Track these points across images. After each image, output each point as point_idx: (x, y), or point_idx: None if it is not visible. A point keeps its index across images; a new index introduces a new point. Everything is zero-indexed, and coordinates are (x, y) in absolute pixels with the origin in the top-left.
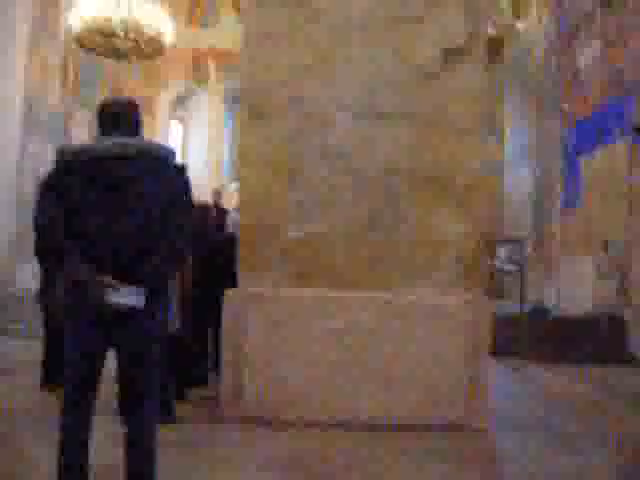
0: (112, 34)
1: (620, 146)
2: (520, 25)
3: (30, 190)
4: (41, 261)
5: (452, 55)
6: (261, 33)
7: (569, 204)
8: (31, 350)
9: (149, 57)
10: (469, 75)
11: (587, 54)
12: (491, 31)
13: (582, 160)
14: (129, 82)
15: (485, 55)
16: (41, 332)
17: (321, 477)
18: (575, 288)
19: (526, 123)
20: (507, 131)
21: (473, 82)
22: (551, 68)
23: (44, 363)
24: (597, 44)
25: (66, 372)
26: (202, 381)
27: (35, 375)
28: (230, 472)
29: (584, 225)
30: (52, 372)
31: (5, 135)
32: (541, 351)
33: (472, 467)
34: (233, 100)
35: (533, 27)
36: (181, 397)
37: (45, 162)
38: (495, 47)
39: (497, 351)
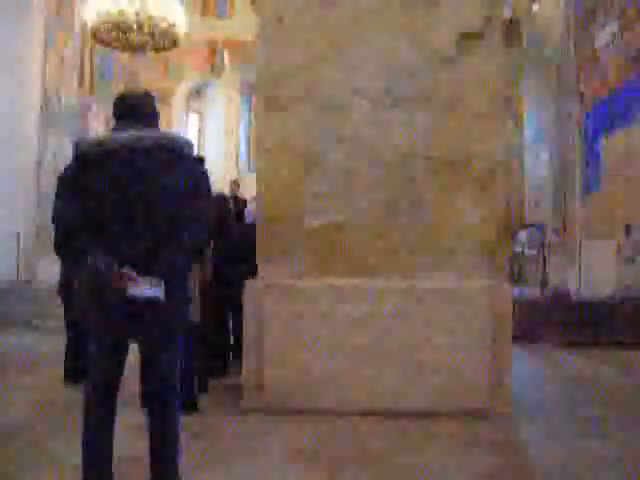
0: (127, 27)
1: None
2: (537, 7)
3: (49, 184)
4: (61, 255)
5: (468, 39)
6: (275, 20)
7: (589, 187)
8: (53, 344)
9: (164, 49)
10: (486, 59)
11: (604, 36)
12: (507, 14)
13: (602, 143)
14: (145, 74)
15: (502, 39)
16: (63, 326)
17: (343, 466)
18: (597, 272)
19: (544, 106)
20: (525, 114)
21: (490, 66)
22: (568, 51)
23: (66, 357)
24: (614, 26)
25: (89, 365)
26: (223, 371)
27: (58, 369)
28: (251, 461)
29: (605, 209)
30: (74, 366)
31: (23, 131)
32: (563, 335)
33: (495, 452)
34: (249, 89)
35: (550, 9)
36: (202, 387)
37: (63, 156)
38: (512, 30)
39: (518, 336)
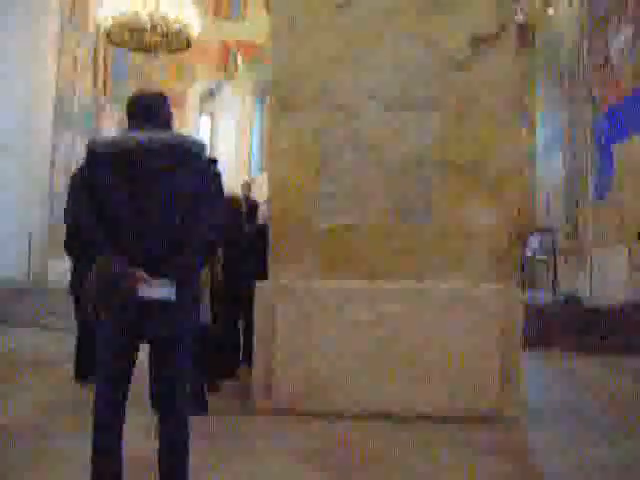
0: (140, 29)
1: None
2: (551, 11)
3: (61, 185)
4: (72, 254)
5: (483, 43)
6: (289, 23)
7: (602, 192)
8: (64, 343)
9: (177, 51)
10: (500, 63)
11: (619, 39)
12: (522, 17)
13: (615, 147)
14: (158, 76)
15: (516, 42)
16: (74, 325)
17: (351, 468)
18: (608, 278)
19: (558, 109)
20: (538, 118)
21: (504, 70)
22: (582, 54)
23: (77, 356)
24: (629, 29)
25: (99, 365)
26: (233, 372)
27: (68, 367)
28: (257, 462)
29: (617, 213)
30: (85, 365)
31: (38, 130)
32: (573, 341)
33: (505, 458)
34: (262, 91)
35: (564, 12)
36: (213, 389)
37: (76, 157)
38: (526, 33)
39: (529, 341)
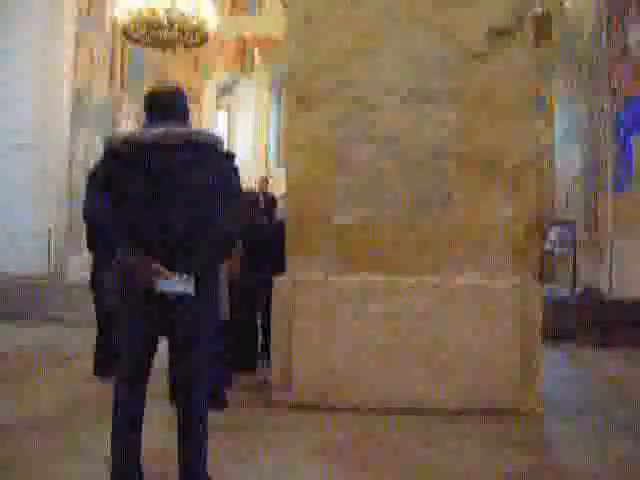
0: (157, 25)
1: None
2: (567, 3)
3: (80, 182)
4: (92, 250)
5: (499, 36)
6: (305, 17)
7: (621, 185)
8: (84, 338)
9: (194, 46)
10: (517, 56)
11: (637, 33)
12: (539, 9)
13: (634, 138)
14: (175, 73)
15: (533, 35)
16: (94, 320)
17: (370, 462)
18: (629, 270)
19: (576, 101)
20: (556, 112)
21: (521, 63)
22: (600, 46)
23: (97, 351)
24: None
25: (118, 361)
26: (251, 367)
27: (88, 363)
28: (279, 456)
29: (637, 206)
30: (104, 360)
31: (55, 128)
32: (593, 335)
33: (525, 451)
34: (279, 87)
35: (581, 5)
36: (231, 383)
37: (94, 153)
38: (543, 25)
39: (548, 335)
